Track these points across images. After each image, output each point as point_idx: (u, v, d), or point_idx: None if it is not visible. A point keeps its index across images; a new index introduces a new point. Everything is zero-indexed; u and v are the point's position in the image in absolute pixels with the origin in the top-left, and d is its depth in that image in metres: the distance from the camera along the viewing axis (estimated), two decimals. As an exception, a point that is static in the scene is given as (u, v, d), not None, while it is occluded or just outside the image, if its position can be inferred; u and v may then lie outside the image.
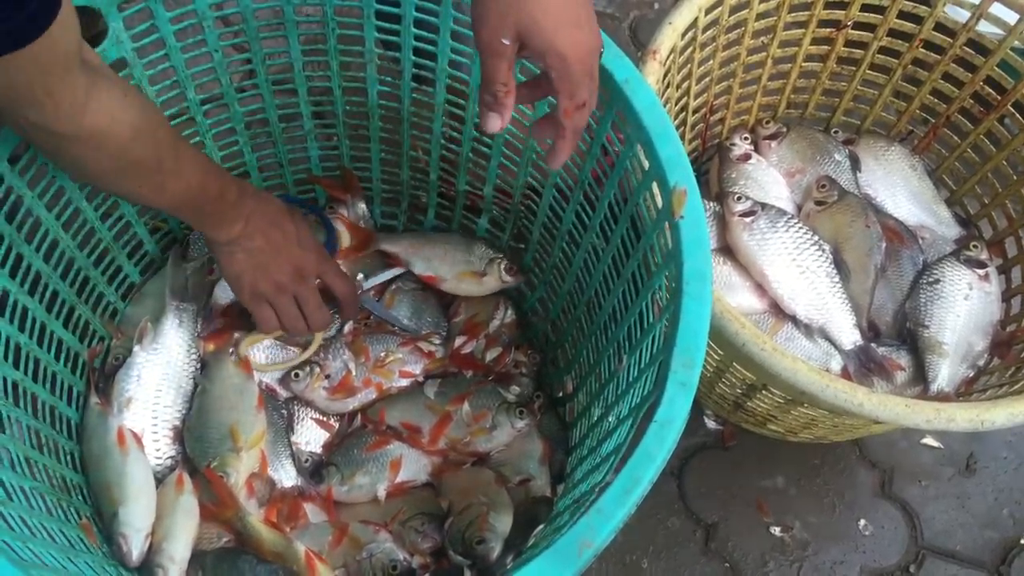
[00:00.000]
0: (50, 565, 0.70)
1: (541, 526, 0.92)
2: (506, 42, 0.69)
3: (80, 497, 0.91)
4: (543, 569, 0.60)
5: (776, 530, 1.23)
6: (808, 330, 1.14)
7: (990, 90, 1.20)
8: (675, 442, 0.65)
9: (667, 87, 1.14)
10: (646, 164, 0.79)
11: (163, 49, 0.88)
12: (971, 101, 1.23)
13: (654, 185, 0.78)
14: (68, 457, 0.93)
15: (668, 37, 1.05)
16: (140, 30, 0.85)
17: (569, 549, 0.61)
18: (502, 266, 1.11)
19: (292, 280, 0.95)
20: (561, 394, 1.11)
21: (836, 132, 1.36)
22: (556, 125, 0.73)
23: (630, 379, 0.83)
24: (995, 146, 1.23)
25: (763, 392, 1.08)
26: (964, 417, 0.85)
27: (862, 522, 1.25)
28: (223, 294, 1.07)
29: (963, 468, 1.31)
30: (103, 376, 1.00)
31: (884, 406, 0.86)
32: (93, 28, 0.82)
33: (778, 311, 1.17)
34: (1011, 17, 1.12)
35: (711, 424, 1.30)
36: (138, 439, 0.94)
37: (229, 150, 1.05)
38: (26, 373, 0.87)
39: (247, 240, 0.90)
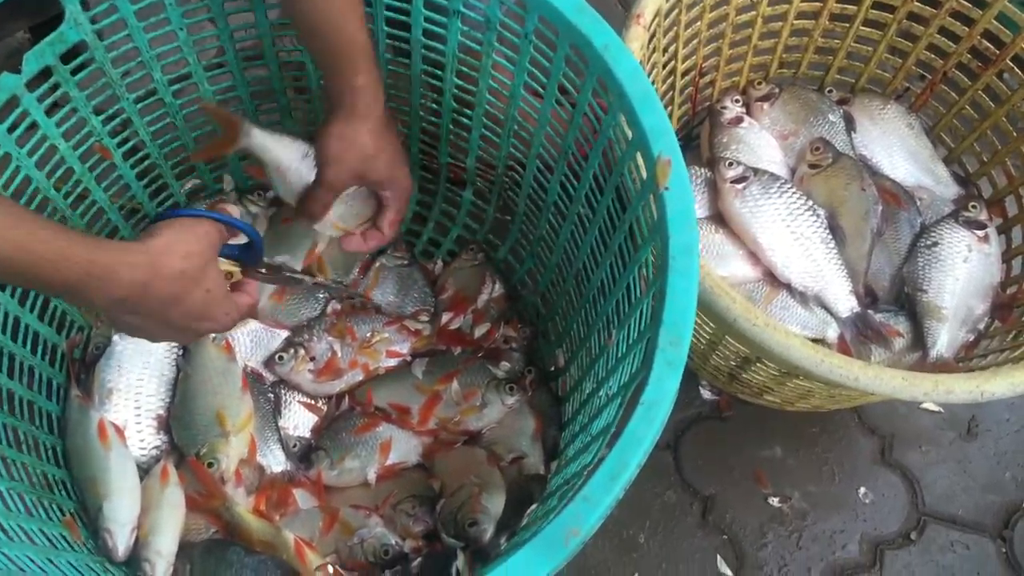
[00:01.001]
0: (28, 570, 0.68)
1: (534, 505, 0.90)
2: (355, 182, 0.90)
3: (64, 493, 0.89)
4: (529, 560, 0.58)
5: (774, 501, 1.22)
6: (803, 298, 1.12)
7: (988, 44, 1.17)
8: (663, 423, 0.63)
9: (653, 52, 1.10)
10: (630, 134, 0.76)
11: (124, 30, 0.86)
12: (969, 56, 1.20)
13: (638, 155, 0.75)
14: (49, 452, 0.91)
15: (652, 0, 1.01)
16: (99, 11, 0.83)
17: (555, 538, 0.59)
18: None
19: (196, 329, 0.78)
20: (553, 368, 1.09)
21: (830, 91, 1.32)
22: (376, 234, 0.96)
23: (619, 355, 0.81)
24: (994, 102, 1.20)
25: (758, 365, 1.06)
26: (963, 388, 0.83)
27: (862, 490, 1.24)
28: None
29: (964, 432, 1.30)
30: (84, 367, 0.98)
31: (880, 380, 0.84)
32: (50, 10, 0.79)
33: (772, 279, 1.14)
34: (1008, -32, 1.09)
35: (707, 394, 1.28)
36: (120, 432, 0.92)
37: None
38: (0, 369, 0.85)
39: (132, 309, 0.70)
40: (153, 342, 0.91)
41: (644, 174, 0.74)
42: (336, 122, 0.85)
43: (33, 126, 0.85)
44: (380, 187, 0.92)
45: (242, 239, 0.81)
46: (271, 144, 0.90)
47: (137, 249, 0.69)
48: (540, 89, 0.90)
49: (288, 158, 0.90)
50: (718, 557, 1.17)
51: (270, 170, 0.92)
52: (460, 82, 0.98)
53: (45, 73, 0.83)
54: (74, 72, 0.86)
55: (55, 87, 0.85)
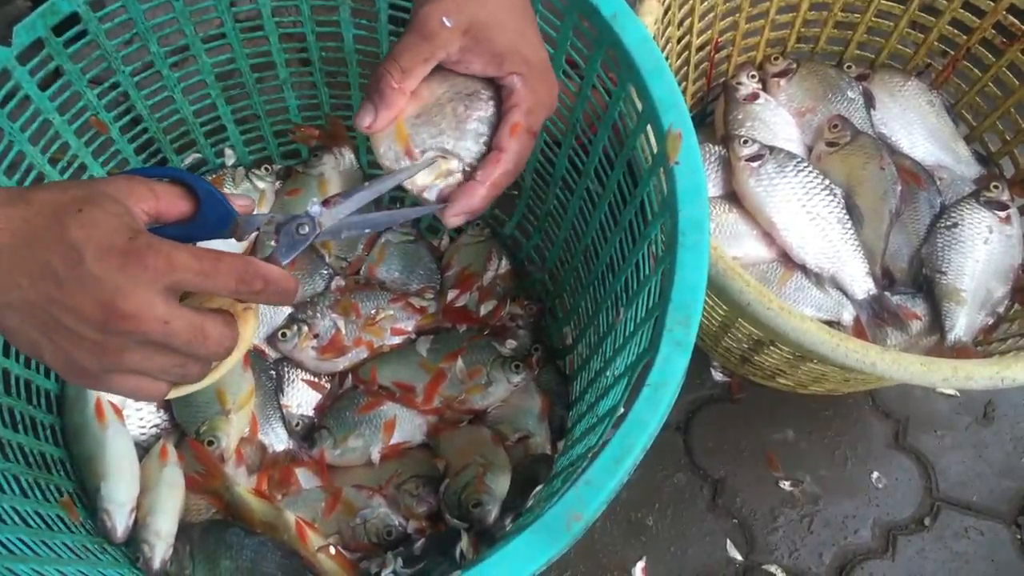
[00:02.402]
0: (19, 553, 0.67)
1: (540, 486, 0.89)
2: (448, 24, 0.59)
3: (62, 473, 0.88)
4: (530, 545, 0.56)
5: (786, 484, 1.19)
6: (819, 280, 1.09)
7: (1013, 19, 1.14)
8: (670, 406, 0.61)
9: (668, 26, 1.07)
10: (640, 106, 0.73)
11: (119, 1, 0.83)
12: (993, 31, 1.17)
13: (648, 128, 0.72)
14: (48, 432, 0.90)
15: (666, -31, 0.98)
16: (92, -19, 0.80)
17: (557, 523, 0.57)
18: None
19: (109, 336, 0.50)
20: (561, 346, 1.07)
21: (849, 67, 1.29)
22: (496, 148, 0.63)
23: (627, 334, 0.78)
24: (1018, 79, 1.17)
25: (771, 347, 1.04)
26: (983, 374, 0.81)
27: (875, 474, 1.21)
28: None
29: (980, 416, 1.27)
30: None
31: (898, 365, 0.81)
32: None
33: (787, 260, 1.12)
34: (1037, -62, 1.05)
35: (718, 376, 1.26)
36: (118, 411, 0.91)
37: (201, 103, 1.00)
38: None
39: (7, 312, 0.50)
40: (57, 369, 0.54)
41: (654, 148, 0.72)
42: None
43: (25, 100, 0.83)
44: (501, 64, 0.61)
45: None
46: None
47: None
48: (548, 61, 0.87)
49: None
50: (728, 541, 1.15)
51: None
52: (466, 53, 0.95)
53: (37, 45, 0.81)
54: (67, 44, 0.84)
55: (48, 59, 0.83)
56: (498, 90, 0.65)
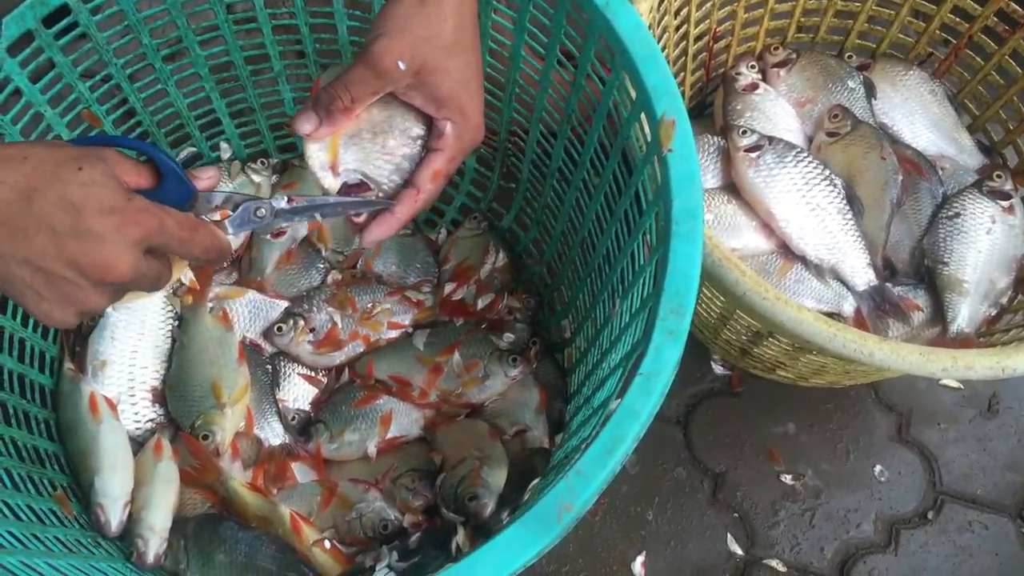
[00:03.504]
0: (7, 546, 0.66)
1: (537, 480, 0.88)
2: (402, 67, 0.63)
3: (56, 467, 0.88)
4: (520, 536, 0.55)
5: (787, 478, 1.18)
6: (819, 271, 1.08)
7: (1016, 6, 1.13)
8: (662, 396, 0.60)
9: (664, 14, 1.06)
10: (633, 93, 0.72)
11: (108, -8, 0.83)
12: (995, 19, 1.16)
13: (642, 116, 0.71)
14: (41, 426, 0.89)
15: (662, -43, 0.97)
16: (81, -28, 0.80)
17: (548, 513, 0.56)
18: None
19: (99, 287, 0.55)
20: (559, 339, 1.06)
21: (850, 57, 1.28)
22: (415, 187, 0.69)
23: (622, 325, 0.78)
24: (1021, 67, 1.16)
25: (770, 339, 1.03)
26: (984, 364, 0.80)
27: (877, 468, 1.20)
28: (206, 202, 1.01)
29: (984, 409, 1.26)
30: (79, 338, 0.96)
31: (897, 355, 0.80)
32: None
33: (787, 252, 1.11)
34: (1039, -77, 1.04)
35: (718, 369, 1.24)
36: (112, 405, 0.91)
37: (195, 97, 1.00)
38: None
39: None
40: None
41: (648, 136, 0.71)
42: None
43: (16, 92, 0.83)
44: (439, 108, 0.66)
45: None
46: None
47: None
48: (541, 50, 0.86)
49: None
50: (728, 535, 1.14)
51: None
52: (460, 44, 0.95)
53: (27, 37, 0.81)
54: (58, 36, 0.83)
55: (39, 52, 0.83)
56: (429, 126, 0.70)
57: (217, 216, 0.65)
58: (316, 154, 0.68)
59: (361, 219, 0.70)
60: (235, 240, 0.66)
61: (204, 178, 0.65)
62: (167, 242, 0.57)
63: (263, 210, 0.66)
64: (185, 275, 0.94)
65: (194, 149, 1.06)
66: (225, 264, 1.02)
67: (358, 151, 0.69)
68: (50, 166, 0.52)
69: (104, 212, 0.53)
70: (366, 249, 1.08)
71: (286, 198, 0.67)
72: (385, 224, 0.69)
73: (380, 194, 0.71)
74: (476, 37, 0.67)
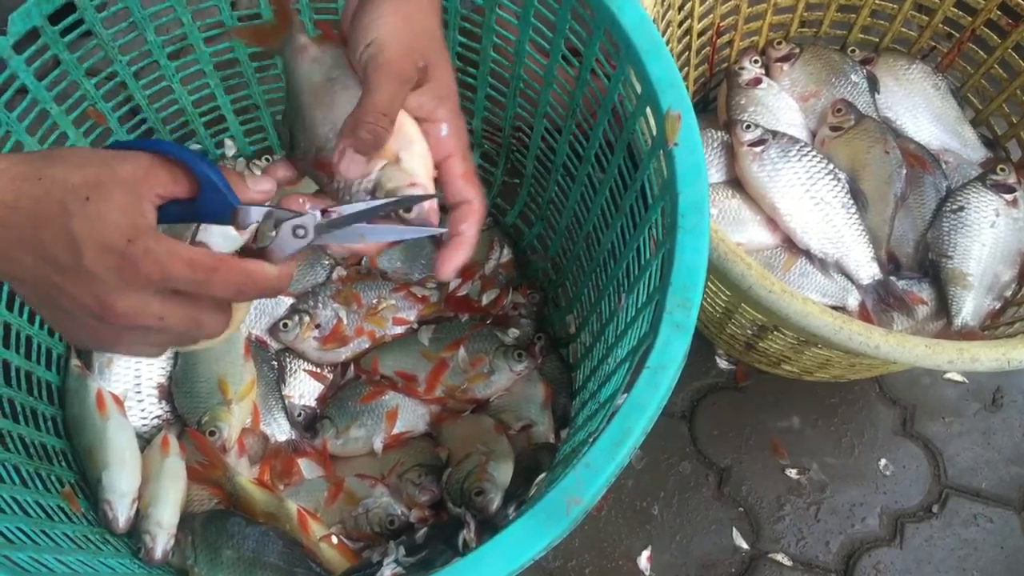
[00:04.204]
0: (17, 542, 0.66)
1: (543, 475, 0.88)
2: (422, 65, 0.58)
3: (64, 464, 0.88)
4: (528, 530, 0.55)
5: (792, 472, 1.19)
6: (823, 265, 1.08)
7: (1019, 0, 1.11)
8: (670, 389, 0.60)
9: (668, 9, 1.06)
10: (639, 88, 0.72)
11: (114, -10, 0.83)
12: (998, 13, 1.16)
13: (647, 110, 0.71)
14: (49, 423, 0.90)
15: (666, -49, 0.97)
16: (87, -29, 0.80)
17: (556, 507, 0.56)
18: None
19: (105, 325, 0.52)
20: (564, 335, 1.06)
21: (853, 51, 1.28)
22: (464, 201, 0.62)
23: (628, 319, 0.78)
24: (1024, 60, 1.15)
25: (775, 333, 1.03)
26: (989, 356, 0.80)
27: (882, 461, 1.20)
28: (208, 240, 1.02)
29: (989, 403, 1.26)
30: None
31: (902, 347, 0.80)
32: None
33: (791, 246, 1.11)
34: (1043, -85, 1.03)
35: (723, 364, 1.25)
36: (119, 402, 0.91)
37: (200, 94, 1.00)
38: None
39: (15, 283, 0.53)
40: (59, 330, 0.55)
41: (654, 130, 0.71)
42: None
43: (22, 90, 0.83)
44: (440, 105, 0.61)
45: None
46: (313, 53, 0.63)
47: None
48: (546, 45, 0.86)
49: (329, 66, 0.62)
50: (734, 529, 1.15)
51: (296, 94, 0.63)
52: (464, 39, 0.95)
53: (33, 34, 0.81)
54: (64, 33, 0.83)
55: (44, 49, 0.83)
56: None
57: (249, 236, 0.58)
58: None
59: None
60: (287, 265, 0.59)
61: (257, 189, 0.58)
62: (176, 286, 0.51)
63: (303, 228, 0.58)
64: None
65: (199, 146, 1.06)
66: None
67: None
68: (60, 193, 0.49)
69: (103, 252, 0.49)
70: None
71: (319, 211, 0.59)
72: (458, 250, 0.61)
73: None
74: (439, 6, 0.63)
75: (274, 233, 0.58)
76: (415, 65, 0.58)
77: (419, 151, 0.61)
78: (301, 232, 0.58)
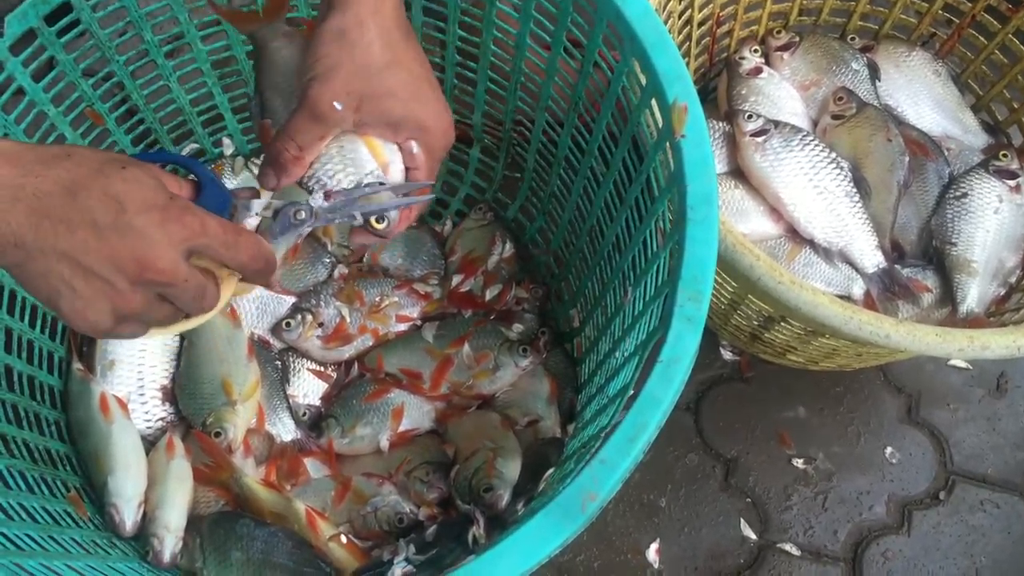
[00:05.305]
0: (27, 549, 0.66)
1: (551, 470, 0.88)
2: (338, 108, 0.62)
3: (68, 468, 0.88)
4: (545, 526, 0.55)
5: (799, 462, 1.18)
6: (827, 254, 1.08)
7: (1019, -16, 1.11)
8: (683, 383, 0.60)
9: (668, 0, 1.06)
10: (643, 80, 0.72)
11: (110, -12, 0.82)
12: (998, -3, 1.15)
13: (653, 102, 0.71)
14: (52, 428, 0.89)
15: (665, -59, 0.96)
16: (82, -31, 0.79)
17: (572, 503, 0.56)
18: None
19: (137, 287, 0.54)
20: (568, 329, 1.05)
21: (853, 39, 1.27)
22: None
23: (636, 313, 0.77)
24: (1025, 45, 1.15)
25: (782, 324, 1.03)
26: (1000, 344, 0.79)
27: (888, 449, 1.20)
28: (244, 210, 1.01)
29: (994, 389, 1.26)
30: (87, 338, 0.96)
31: (913, 336, 0.80)
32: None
33: (795, 236, 1.10)
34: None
35: (727, 355, 1.24)
36: (123, 405, 0.90)
37: (197, 92, 0.99)
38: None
39: (38, 256, 0.52)
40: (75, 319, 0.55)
41: (660, 122, 0.70)
42: (332, 16, 0.61)
43: (19, 92, 0.82)
44: (397, 131, 0.65)
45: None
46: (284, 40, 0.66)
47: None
48: (547, 38, 0.86)
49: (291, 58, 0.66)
50: (741, 520, 1.14)
51: (265, 75, 0.67)
52: (464, 33, 0.94)
53: (29, 36, 0.80)
54: (60, 34, 0.83)
55: (41, 50, 0.82)
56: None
57: (255, 222, 0.64)
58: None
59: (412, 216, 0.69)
60: (279, 250, 0.62)
61: (242, 196, 0.64)
62: (210, 243, 0.55)
63: (302, 213, 0.63)
64: None
65: (197, 145, 1.05)
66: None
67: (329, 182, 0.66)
68: (95, 163, 0.52)
69: (147, 208, 0.52)
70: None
71: (322, 195, 0.64)
72: (361, 237, 0.69)
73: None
74: (411, 46, 0.66)
75: (272, 221, 0.64)
76: (333, 106, 0.62)
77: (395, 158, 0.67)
78: (301, 216, 0.63)
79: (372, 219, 0.65)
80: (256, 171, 1.04)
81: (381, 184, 0.66)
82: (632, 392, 0.60)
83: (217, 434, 0.90)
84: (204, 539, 0.85)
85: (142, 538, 0.84)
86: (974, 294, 1.06)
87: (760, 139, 1.10)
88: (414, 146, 0.66)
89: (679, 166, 0.66)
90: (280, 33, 0.66)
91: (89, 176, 0.51)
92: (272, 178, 0.65)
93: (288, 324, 1.00)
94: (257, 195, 0.64)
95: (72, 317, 0.54)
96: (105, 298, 0.53)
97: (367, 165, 0.66)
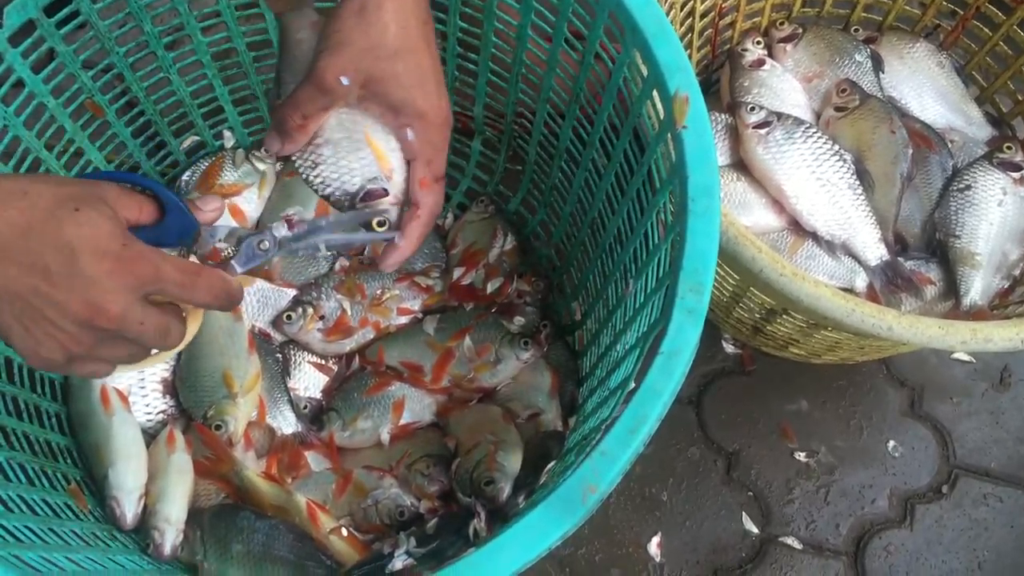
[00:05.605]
0: (27, 541, 0.66)
1: (552, 463, 0.88)
2: (344, 83, 0.63)
3: (69, 461, 0.88)
4: (545, 518, 0.55)
5: (801, 455, 1.18)
6: (830, 247, 1.07)
7: (1024, -24, 1.11)
8: (683, 375, 0.59)
9: (670, -10, 1.05)
10: (645, 71, 0.71)
11: (109, -20, 0.82)
12: (1003, -11, 1.14)
13: (654, 93, 0.70)
14: (53, 420, 0.89)
15: (668, -68, 0.95)
16: (81, -41, 0.78)
17: (573, 495, 0.56)
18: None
19: (85, 330, 0.53)
20: (569, 322, 1.05)
21: (856, 30, 1.27)
22: (413, 203, 0.68)
23: (637, 306, 0.77)
24: (1030, 36, 1.14)
25: (784, 317, 1.02)
26: (1002, 336, 0.79)
27: (891, 443, 1.20)
28: (209, 237, 1.01)
29: (997, 382, 1.25)
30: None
31: (915, 329, 0.79)
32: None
33: (797, 228, 1.10)
34: None
35: (729, 348, 1.24)
36: (123, 397, 0.90)
37: (197, 84, 0.99)
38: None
39: None
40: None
41: (661, 114, 0.70)
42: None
43: (19, 83, 0.82)
44: (397, 115, 0.66)
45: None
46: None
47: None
48: (549, 29, 0.85)
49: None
50: (743, 514, 1.14)
51: (286, 61, 0.68)
52: (464, 25, 0.94)
53: (29, 27, 0.79)
54: (59, 25, 0.82)
55: (40, 41, 0.82)
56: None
57: (221, 247, 0.66)
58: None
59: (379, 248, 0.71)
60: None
61: (207, 209, 0.64)
62: (165, 288, 0.55)
63: (266, 242, 0.66)
64: None
65: (197, 137, 1.05)
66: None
67: (325, 168, 0.68)
68: (48, 204, 0.52)
69: (99, 256, 0.52)
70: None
71: (285, 225, 0.67)
72: (399, 251, 0.69)
73: (395, 200, 0.68)
74: (425, 35, 0.66)
75: (230, 251, 0.66)
76: (339, 80, 0.63)
77: (394, 146, 0.68)
78: (264, 246, 0.66)
79: (373, 221, 0.67)
80: (257, 164, 1.05)
81: (384, 190, 0.67)
82: (633, 384, 0.60)
83: (218, 427, 0.90)
84: (205, 532, 0.85)
85: (143, 531, 0.84)
86: (978, 287, 1.06)
87: (763, 131, 1.09)
88: (409, 133, 0.67)
89: (680, 157, 0.66)
90: (307, 21, 0.67)
91: (42, 220, 0.51)
92: (276, 143, 0.67)
93: (289, 317, 1.00)
94: (220, 214, 0.65)
95: (25, 353, 0.54)
96: (55, 340, 0.53)
97: (371, 170, 0.67)
